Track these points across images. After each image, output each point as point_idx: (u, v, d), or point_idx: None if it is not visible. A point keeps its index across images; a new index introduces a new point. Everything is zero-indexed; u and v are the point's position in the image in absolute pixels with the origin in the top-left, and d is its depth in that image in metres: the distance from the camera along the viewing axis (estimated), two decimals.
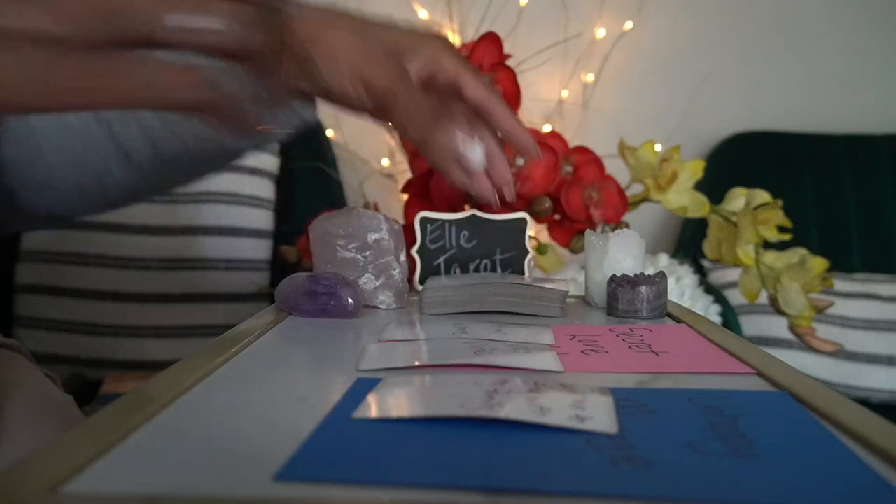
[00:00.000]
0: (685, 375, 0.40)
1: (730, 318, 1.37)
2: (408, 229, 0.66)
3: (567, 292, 0.57)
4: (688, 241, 1.71)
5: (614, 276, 0.58)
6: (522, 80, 0.92)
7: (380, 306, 0.60)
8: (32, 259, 1.42)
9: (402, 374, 0.39)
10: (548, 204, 0.87)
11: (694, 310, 0.63)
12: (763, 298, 0.94)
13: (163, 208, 1.43)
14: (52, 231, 1.41)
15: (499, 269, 0.67)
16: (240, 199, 1.47)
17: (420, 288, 0.66)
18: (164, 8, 0.28)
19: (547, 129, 1.49)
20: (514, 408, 0.31)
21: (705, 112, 1.82)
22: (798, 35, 1.85)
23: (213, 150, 0.52)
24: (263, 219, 1.50)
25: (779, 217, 0.89)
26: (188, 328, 1.42)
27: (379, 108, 0.47)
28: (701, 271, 1.60)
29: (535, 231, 1.23)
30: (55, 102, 0.29)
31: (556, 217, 0.91)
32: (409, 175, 0.98)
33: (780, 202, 0.90)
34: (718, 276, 1.59)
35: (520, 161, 0.85)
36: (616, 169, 0.97)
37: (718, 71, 1.83)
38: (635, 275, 0.58)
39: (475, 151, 0.48)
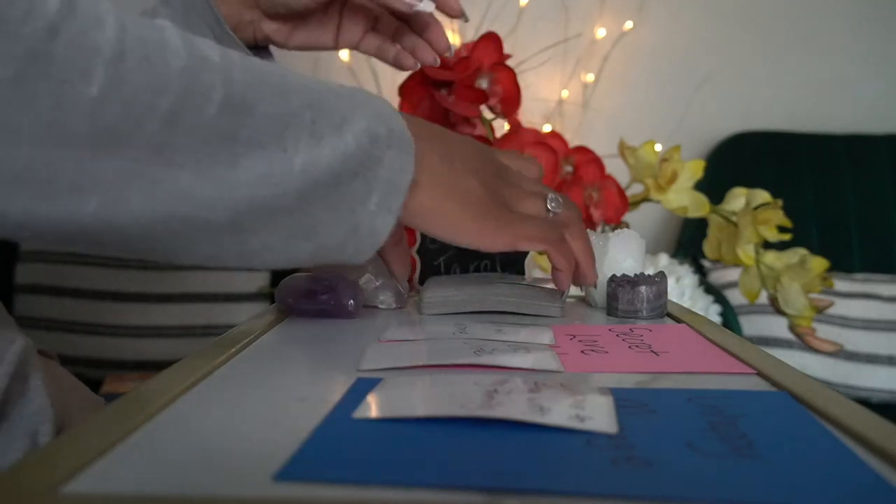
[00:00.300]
0: (685, 375, 0.40)
1: (730, 318, 1.37)
2: (408, 229, 0.66)
3: (567, 292, 0.57)
4: (688, 241, 1.71)
5: (614, 276, 0.58)
6: (522, 80, 0.92)
7: (380, 306, 0.60)
8: (32, 259, 1.42)
9: (402, 374, 0.39)
10: None
11: (694, 310, 0.63)
12: (763, 298, 0.94)
13: None
14: None
15: (499, 269, 0.67)
16: None
17: (420, 288, 0.66)
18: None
19: (547, 129, 1.49)
20: (514, 408, 0.31)
21: (705, 112, 1.82)
22: (798, 35, 1.85)
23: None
24: None
25: (779, 217, 0.89)
26: (188, 328, 1.42)
27: None
28: (701, 271, 1.60)
29: None
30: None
31: None
32: None
33: (780, 202, 0.90)
34: (718, 276, 1.59)
35: None
36: (616, 169, 0.97)
37: (718, 71, 1.83)
38: (635, 275, 0.58)
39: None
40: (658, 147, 0.96)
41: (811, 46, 1.85)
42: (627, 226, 0.82)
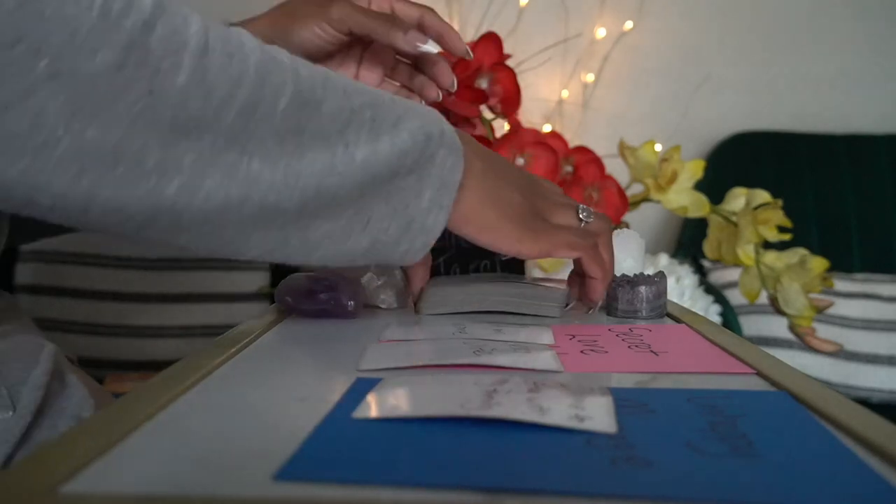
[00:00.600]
0: (685, 375, 0.40)
1: (730, 318, 1.36)
2: None
3: (567, 291, 0.57)
4: (688, 241, 1.71)
5: (614, 276, 0.58)
6: (522, 80, 0.92)
7: (381, 305, 0.60)
8: (32, 259, 1.42)
9: (402, 374, 0.39)
10: None
11: (694, 310, 0.63)
12: (763, 298, 0.94)
13: None
14: None
15: (498, 270, 0.67)
16: None
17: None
18: None
19: (547, 129, 1.49)
20: (514, 408, 0.31)
21: (705, 112, 1.82)
22: (798, 35, 1.85)
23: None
24: None
25: (779, 217, 0.89)
26: (188, 328, 1.42)
27: None
28: (701, 271, 1.60)
29: None
30: None
31: None
32: None
33: (780, 202, 0.90)
34: (718, 276, 1.59)
35: (520, 161, 0.85)
36: (616, 169, 0.97)
37: (718, 71, 1.83)
38: (635, 275, 0.58)
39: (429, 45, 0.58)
40: (658, 147, 0.96)
41: (811, 46, 1.85)
42: (627, 226, 0.82)
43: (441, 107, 0.88)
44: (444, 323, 0.53)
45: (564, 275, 0.59)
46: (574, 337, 0.49)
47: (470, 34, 1.72)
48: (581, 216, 0.53)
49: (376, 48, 0.64)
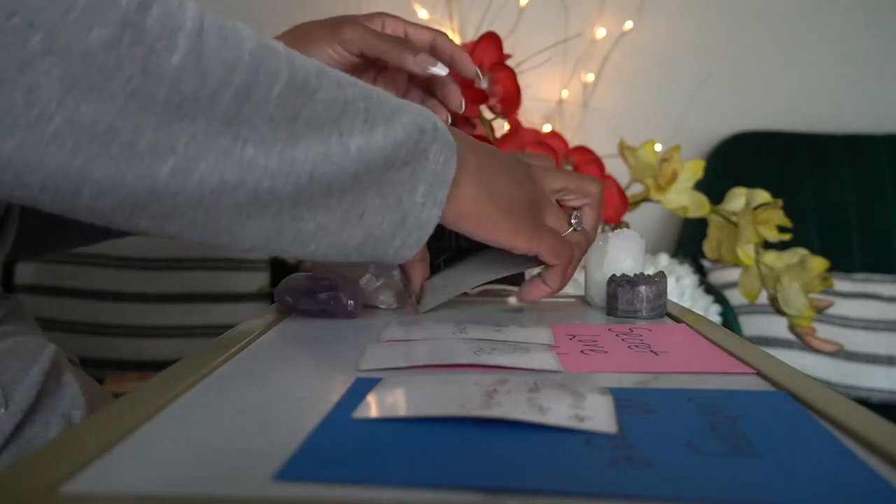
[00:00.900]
0: (685, 375, 0.40)
1: (730, 318, 1.36)
2: None
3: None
4: (688, 241, 1.71)
5: (614, 276, 0.58)
6: (522, 80, 0.92)
7: (380, 306, 0.60)
8: (32, 259, 1.42)
9: (401, 373, 0.39)
10: None
11: (694, 310, 0.63)
12: (763, 298, 0.94)
13: None
14: None
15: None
16: None
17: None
18: None
19: (547, 129, 1.49)
20: (514, 408, 0.31)
21: (705, 112, 1.82)
22: (798, 35, 1.85)
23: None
24: None
25: (779, 217, 0.89)
26: (188, 328, 1.42)
27: None
28: (701, 271, 1.60)
29: None
30: None
31: None
32: None
33: (780, 202, 0.90)
34: (718, 276, 1.59)
35: None
36: (616, 169, 0.97)
37: (718, 71, 1.83)
38: (635, 275, 0.58)
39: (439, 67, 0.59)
40: (658, 147, 0.96)
41: (811, 46, 1.85)
42: (627, 226, 0.82)
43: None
44: (444, 323, 0.53)
45: None
46: (574, 337, 0.49)
47: (470, 34, 1.72)
48: (572, 222, 0.54)
49: (389, 71, 0.64)
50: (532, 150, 0.85)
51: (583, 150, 0.92)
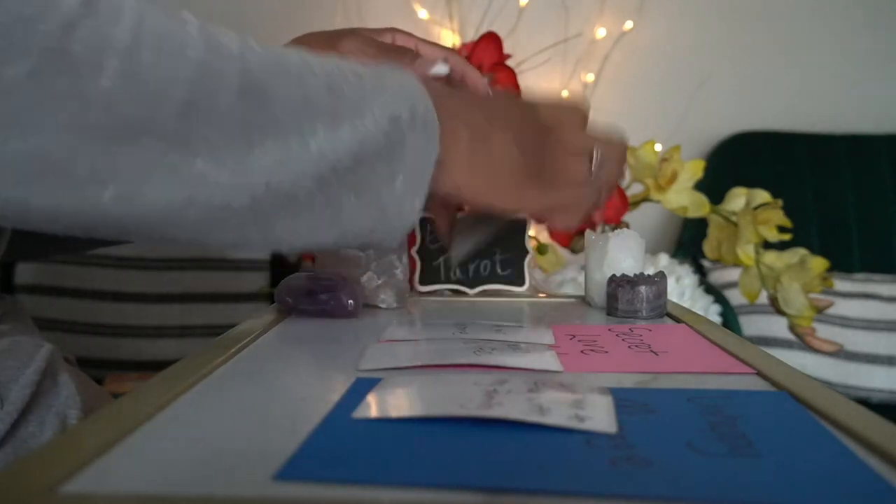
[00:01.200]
0: (685, 375, 0.40)
1: (730, 318, 1.36)
2: None
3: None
4: (688, 241, 1.71)
5: (614, 276, 0.58)
6: (522, 80, 0.92)
7: (381, 305, 0.60)
8: (32, 259, 1.42)
9: (401, 374, 0.39)
10: None
11: (694, 310, 0.63)
12: (763, 298, 0.94)
13: None
14: None
15: (499, 269, 0.67)
16: None
17: (420, 289, 0.66)
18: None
19: None
20: (514, 407, 0.31)
21: (705, 112, 1.82)
22: (798, 35, 1.85)
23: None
24: None
25: (779, 217, 0.89)
26: (188, 328, 1.42)
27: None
28: (701, 271, 1.60)
29: (535, 231, 1.23)
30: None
31: None
32: None
33: (780, 202, 0.90)
34: (718, 276, 1.59)
35: None
36: None
37: (718, 71, 1.83)
38: (635, 275, 0.58)
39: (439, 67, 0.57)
40: (658, 147, 0.96)
41: (811, 46, 1.85)
42: (627, 226, 0.82)
43: None
44: (444, 323, 0.53)
45: (565, 275, 0.59)
46: (574, 337, 0.49)
47: (470, 34, 1.72)
48: (596, 159, 0.49)
49: None
50: None
51: None
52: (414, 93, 0.42)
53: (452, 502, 0.24)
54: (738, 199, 0.93)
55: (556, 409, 0.31)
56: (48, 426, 0.47)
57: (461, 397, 0.33)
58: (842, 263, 1.62)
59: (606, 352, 0.45)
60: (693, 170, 0.93)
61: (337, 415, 0.32)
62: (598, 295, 0.61)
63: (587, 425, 0.30)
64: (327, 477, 0.25)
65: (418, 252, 0.66)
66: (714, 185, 1.14)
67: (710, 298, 1.35)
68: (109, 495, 0.24)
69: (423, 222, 0.66)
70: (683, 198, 0.93)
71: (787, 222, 0.89)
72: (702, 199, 0.93)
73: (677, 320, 0.56)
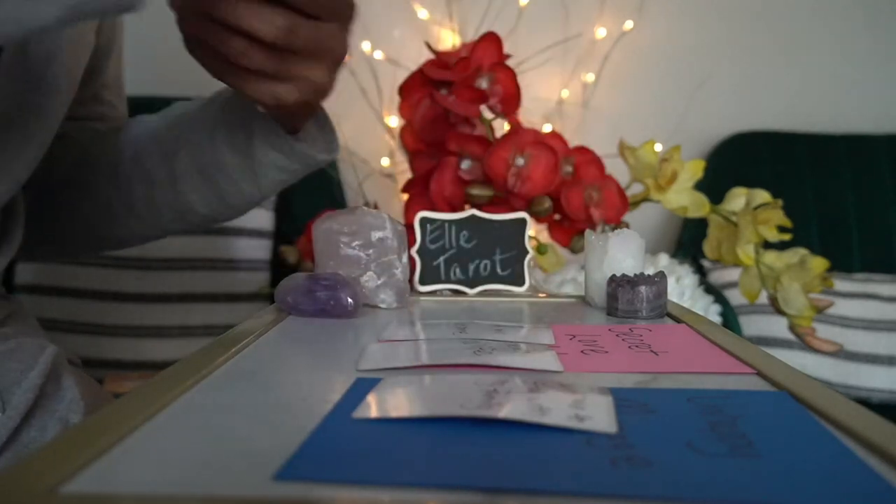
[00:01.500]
0: (685, 375, 0.40)
1: (730, 318, 1.36)
2: (407, 229, 0.66)
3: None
4: (688, 241, 1.71)
5: (614, 276, 0.58)
6: (522, 80, 0.92)
7: (381, 305, 0.60)
8: (32, 259, 1.42)
9: (401, 373, 0.39)
10: (548, 204, 0.87)
11: (694, 310, 0.63)
12: (763, 298, 0.94)
13: None
14: None
15: (499, 269, 0.67)
16: None
17: (420, 288, 0.66)
18: None
19: (547, 129, 1.49)
20: (514, 408, 0.31)
21: (705, 112, 1.82)
22: (798, 35, 1.85)
23: None
24: (263, 219, 1.50)
25: (779, 217, 0.89)
26: (188, 328, 1.42)
27: None
28: (701, 271, 1.60)
29: (535, 231, 1.23)
30: None
31: (556, 217, 0.91)
32: (409, 175, 0.98)
33: (780, 202, 0.90)
34: (718, 276, 1.59)
35: (520, 161, 0.85)
36: (616, 169, 0.97)
37: (718, 71, 1.83)
38: (635, 275, 0.58)
39: None
40: (658, 147, 0.96)
41: (811, 46, 1.85)
42: (627, 226, 0.82)
43: (441, 107, 0.88)
44: (444, 323, 0.53)
45: (565, 275, 0.59)
46: (574, 337, 0.49)
47: (470, 34, 1.72)
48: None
49: None
50: (532, 150, 0.85)
51: (583, 150, 0.92)
52: None
53: (452, 502, 0.24)
54: (738, 199, 0.93)
55: (556, 409, 0.31)
56: (50, 431, 0.47)
57: (461, 397, 0.33)
58: (842, 263, 1.62)
59: (606, 352, 0.45)
60: (693, 170, 0.93)
61: (337, 415, 0.32)
62: (598, 295, 0.61)
63: (587, 425, 0.30)
64: (327, 477, 0.25)
65: (418, 252, 0.66)
66: (714, 185, 1.14)
67: (710, 298, 1.35)
68: (110, 495, 0.24)
69: (424, 223, 0.66)
70: (683, 198, 0.93)
71: (787, 222, 0.89)
72: (702, 199, 0.93)
73: (677, 320, 0.56)
